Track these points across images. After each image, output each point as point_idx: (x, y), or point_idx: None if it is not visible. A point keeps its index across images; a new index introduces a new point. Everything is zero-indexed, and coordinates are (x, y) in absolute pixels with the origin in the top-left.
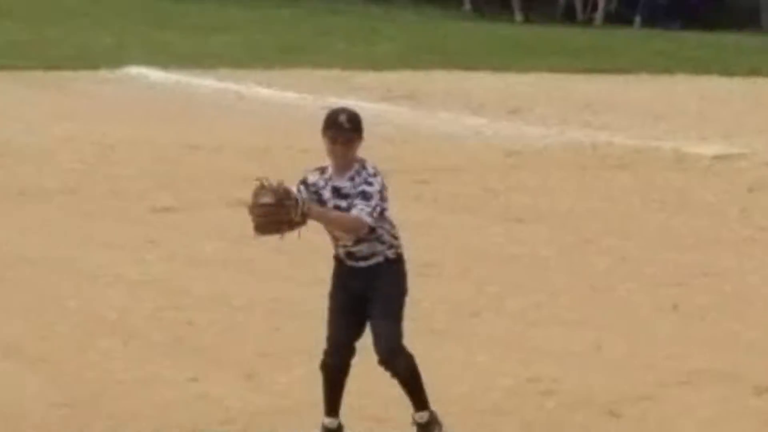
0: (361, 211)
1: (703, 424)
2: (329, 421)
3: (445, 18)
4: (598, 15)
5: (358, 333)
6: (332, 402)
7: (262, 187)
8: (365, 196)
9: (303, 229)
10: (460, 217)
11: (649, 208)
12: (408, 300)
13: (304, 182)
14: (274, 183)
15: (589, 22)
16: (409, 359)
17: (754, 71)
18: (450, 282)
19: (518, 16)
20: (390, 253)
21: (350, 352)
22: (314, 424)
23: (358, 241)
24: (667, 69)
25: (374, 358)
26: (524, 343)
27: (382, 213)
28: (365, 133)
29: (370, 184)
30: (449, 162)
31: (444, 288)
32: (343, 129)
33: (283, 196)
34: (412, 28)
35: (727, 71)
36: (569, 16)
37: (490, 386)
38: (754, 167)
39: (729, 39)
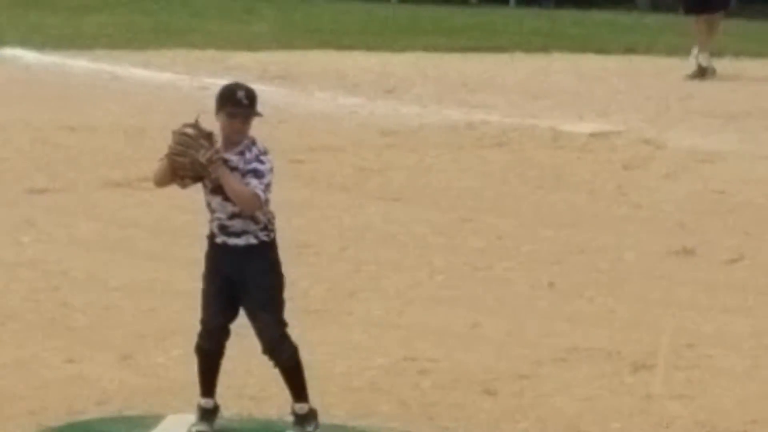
0: (255, 187)
1: (580, 402)
2: (205, 402)
3: None
4: None
5: (232, 316)
6: (208, 383)
7: (194, 123)
8: (257, 174)
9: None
10: (336, 196)
11: (526, 186)
12: (285, 281)
13: None
14: (206, 128)
15: (464, 1)
16: (292, 350)
17: (629, 49)
18: (327, 261)
19: None
20: (262, 235)
21: (224, 334)
22: (190, 404)
23: (232, 216)
24: (543, 47)
25: (253, 338)
26: (401, 322)
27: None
28: None
29: (261, 162)
30: (325, 142)
31: (321, 267)
32: (242, 105)
33: (203, 136)
34: (287, 7)
35: (603, 49)
36: None
37: (367, 365)
38: (630, 145)
39: (604, 17)
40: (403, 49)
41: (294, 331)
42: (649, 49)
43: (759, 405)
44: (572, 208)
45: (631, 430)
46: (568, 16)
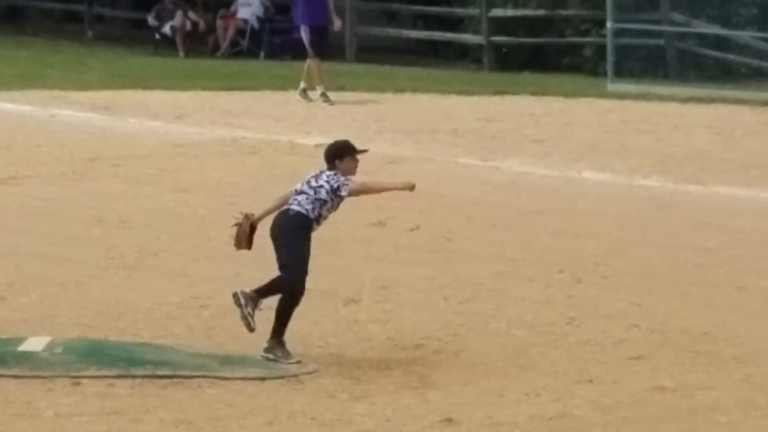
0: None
1: (310, 325)
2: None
3: (131, 54)
4: (221, 52)
5: None
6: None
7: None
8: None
9: None
10: (144, 188)
11: (272, 182)
12: (106, 245)
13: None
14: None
15: (230, 56)
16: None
17: (341, 87)
18: (137, 232)
19: (181, 52)
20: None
21: None
22: (46, 330)
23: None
24: (283, 87)
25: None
26: (189, 273)
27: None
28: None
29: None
30: (136, 152)
31: (133, 236)
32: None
33: (240, 219)
34: (109, 61)
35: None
36: (215, 51)
37: (164, 302)
38: None
39: (323, 66)
40: (188, 88)
41: (114, 282)
42: (355, 87)
43: (430, 326)
44: None
45: (343, 343)
46: (300, 66)
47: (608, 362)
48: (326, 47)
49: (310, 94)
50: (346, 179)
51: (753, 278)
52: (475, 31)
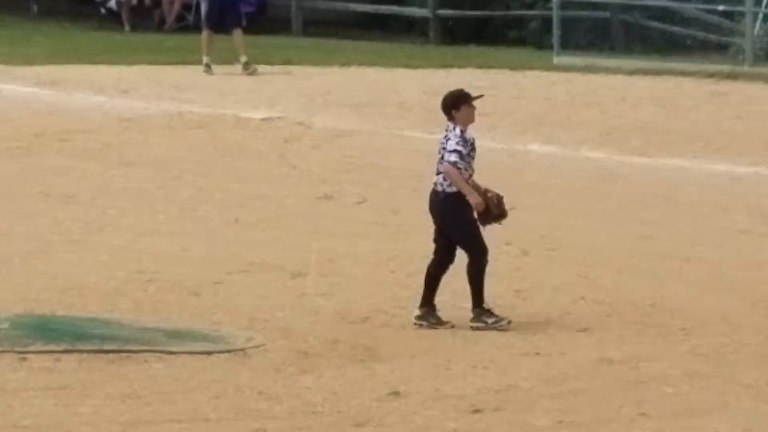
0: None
1: (257, 299)
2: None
3: (76, 29)
4: (167, 26)
5: None
6: None
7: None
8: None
9: None
10: (90, 163)
11: (219, 155)
12: (52, 220)
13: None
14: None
15: (176, 30)
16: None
17: (287, 61)
18: (84, 207)
19: (127, 27)
20: None
21: None
22: None
23: None
24: (228, 61)
25: None
26: (134, 248)
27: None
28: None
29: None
30: (82, 127)
31: (79, 211)
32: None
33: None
34: (55, 36)
35: (269, 61)
36: (161, 26)
37: (111, 276)
38: (288, 126)
39: (270, 41)
40: (133, 63)
41: (61, 255)
42: (301, 61)
43: (377, 298)
44: (250, 169)
45: (291, 317)
46: (246, 40)
47: (555, 334)
48: (222, 20)
49: (243, 69)
50: (450, 157)
51: (699, 250)
52: (422, 5)
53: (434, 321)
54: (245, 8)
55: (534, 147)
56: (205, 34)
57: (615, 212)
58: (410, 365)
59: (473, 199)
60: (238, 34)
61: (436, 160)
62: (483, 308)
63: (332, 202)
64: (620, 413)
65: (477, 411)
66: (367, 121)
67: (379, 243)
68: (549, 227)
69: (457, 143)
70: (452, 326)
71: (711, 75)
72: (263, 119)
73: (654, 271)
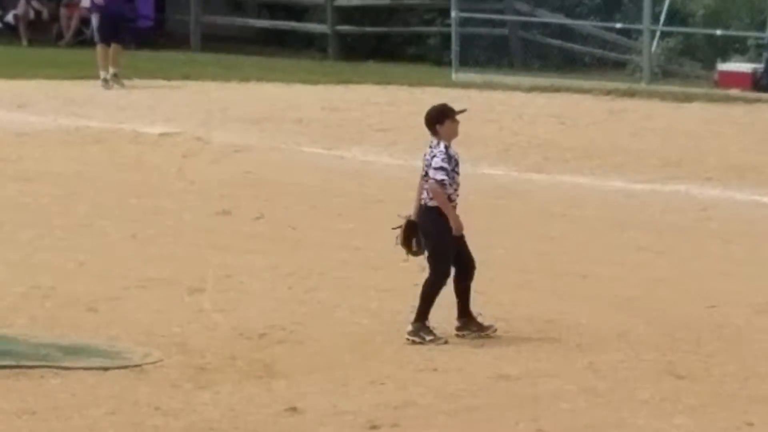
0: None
1: (154, 314)
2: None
3: None
4: (65, 41)
5: None
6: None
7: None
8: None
9: None
10: None
11: (116, 170)
12: None
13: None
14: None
15: (74, 45)
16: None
17: (185, 76)
18: None
19: (24, 41)
20: None
21: None
22: None
23: None
24: (127, 76)
25: None
26: (31, 263)
27: None
28: None
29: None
30: None
31: None
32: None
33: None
34: None
35: (167, 76)
36: (59, 40)
37: (7, 292)
38: (187, 141)
39: (166, 56)
40: (31, 77)
41: None
42: (199, 77)
43: (275, 315)
44: (148, 184)
45: (188, 332)
46: (144, 55)
47: (452, 350)
48: (114, 34)
49: (112, 81)
50: (437, 175)
51: (595, 266)
52: (321, 21)
53: (476, 329)
54: (144, 22)
55: None
56: (99, 48)
57: (512, 228)
58: (308, 381)
59: (455, 223)
60: (118, 49)
61: (420, 174)
62: (425, 324)
63: (230, 218)
64: (517, 429)
65: (374, 427)
66: (265, 136)
67: (277, 259)
68: None
69: (443, 159)
70: (495, 330)
71: (608, 92)
72: (161, 134)
73: (551, 287)
